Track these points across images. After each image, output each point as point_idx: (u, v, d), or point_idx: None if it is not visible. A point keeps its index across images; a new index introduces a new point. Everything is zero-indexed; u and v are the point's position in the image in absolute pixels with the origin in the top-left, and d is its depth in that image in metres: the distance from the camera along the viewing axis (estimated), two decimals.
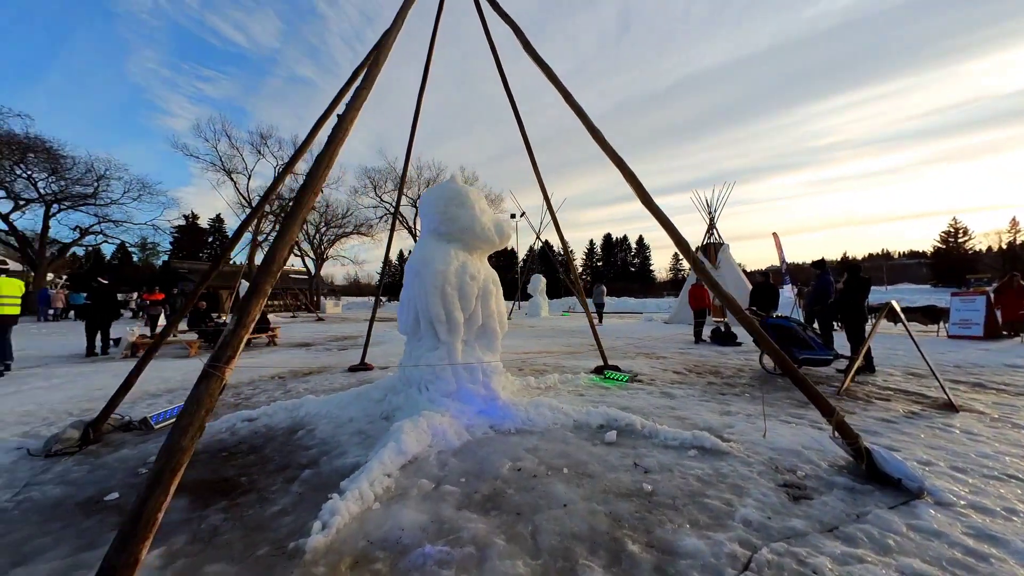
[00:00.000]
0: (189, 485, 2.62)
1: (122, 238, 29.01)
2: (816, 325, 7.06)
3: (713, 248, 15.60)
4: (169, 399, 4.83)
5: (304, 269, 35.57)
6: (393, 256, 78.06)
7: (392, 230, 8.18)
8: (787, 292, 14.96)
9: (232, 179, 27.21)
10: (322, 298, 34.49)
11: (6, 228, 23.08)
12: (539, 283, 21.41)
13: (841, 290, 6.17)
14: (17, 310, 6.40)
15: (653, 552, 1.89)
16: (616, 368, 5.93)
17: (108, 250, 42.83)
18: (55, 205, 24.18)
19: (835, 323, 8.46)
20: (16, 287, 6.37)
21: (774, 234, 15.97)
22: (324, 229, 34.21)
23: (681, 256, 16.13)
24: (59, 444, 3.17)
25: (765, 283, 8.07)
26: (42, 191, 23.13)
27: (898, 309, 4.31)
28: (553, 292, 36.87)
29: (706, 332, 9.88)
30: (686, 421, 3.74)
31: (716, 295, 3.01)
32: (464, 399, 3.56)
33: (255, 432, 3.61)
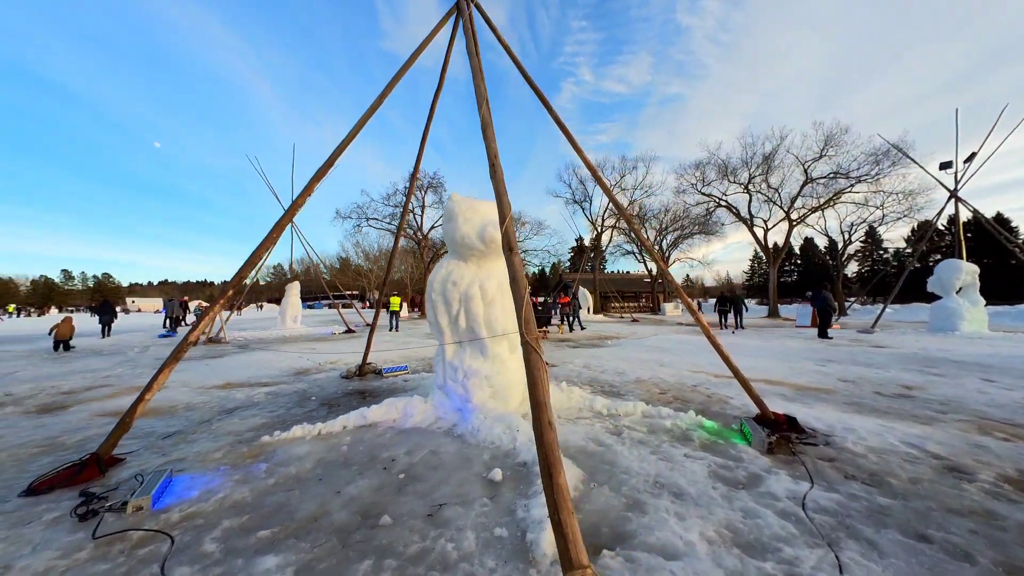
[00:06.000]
0: (325, 400, 4.92)
1: (534, 261, 43.42)
2: None
3: None
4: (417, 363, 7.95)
5: (647, 273, 38.39)
6: (751, 252, 66.86)
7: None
8: None
9: (581, 207, 34.30)
10: (664, 301, 35.95)
11: None
12: (957, 273, 12.44)
13: None
14: (398, 308, 15.48)
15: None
16: (780, 422, 3.56)
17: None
18: None
19: None
20: (397, 301, 15.04)
21: None
22: (664, 234, 35.19)
23: None
24: (345, 374, 6.57)
25: None
26: None
27: None
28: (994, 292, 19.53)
29: None
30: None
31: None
32: (448, 393, 3.96)
33: (389, 385, 5.68)
